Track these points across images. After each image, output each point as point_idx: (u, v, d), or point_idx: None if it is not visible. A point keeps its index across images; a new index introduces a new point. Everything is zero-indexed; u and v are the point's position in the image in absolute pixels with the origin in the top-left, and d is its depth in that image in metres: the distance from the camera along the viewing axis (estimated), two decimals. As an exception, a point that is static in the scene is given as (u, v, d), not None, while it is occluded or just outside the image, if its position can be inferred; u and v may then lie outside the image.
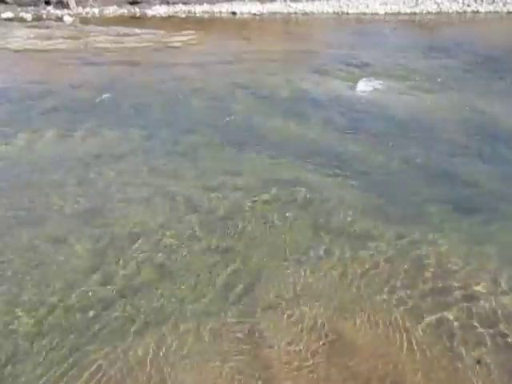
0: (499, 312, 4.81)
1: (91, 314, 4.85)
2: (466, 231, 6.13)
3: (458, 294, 5.07)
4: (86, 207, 6.75)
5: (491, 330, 4.60)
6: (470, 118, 10.17)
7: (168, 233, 6.14)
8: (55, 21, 22.81)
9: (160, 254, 5.74)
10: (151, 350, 4.43)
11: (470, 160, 8.18)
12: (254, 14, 25.37)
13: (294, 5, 26.30)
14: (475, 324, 4.68)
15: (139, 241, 5.98)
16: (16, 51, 16.65)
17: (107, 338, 4.57)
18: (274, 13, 25.58)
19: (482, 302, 4.95)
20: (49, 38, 18.48)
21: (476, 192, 7.12)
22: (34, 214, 6.59)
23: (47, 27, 20.83)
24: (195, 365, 4.29)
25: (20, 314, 4.84)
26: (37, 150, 8.62)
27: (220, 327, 4.67)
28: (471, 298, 5.02)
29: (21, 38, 18.35)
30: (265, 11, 25.71)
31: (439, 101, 11.41)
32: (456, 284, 5.20)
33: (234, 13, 25.45)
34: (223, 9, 25.83)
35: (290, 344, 4.47)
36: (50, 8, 24.83)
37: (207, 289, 5.18)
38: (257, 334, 4.59)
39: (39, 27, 20.66)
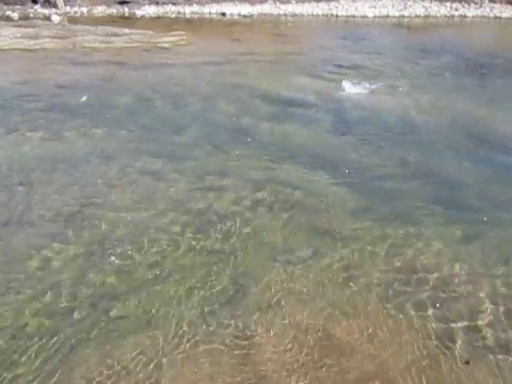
0: (492, 313, 4.85)
1: (78, 315, 4.77)
2: (454, 231, 6.19)
3: (448, 293, 5.10)
4: (72, 208, 6.65)
5: (483, 329, 4.64)
6: (456, 120, 10.30)
7: (157, 234, 6.09)
8: (42, 20, 22.53)
9: (149, 255, 5.68)
10: (140, 352, 4.38)
11: (457, 160, 8.27)
12: (244, 16, 25.37)
13: (283, 6, 26.37)
14: (467, 323, 4.71)
15: (128, 242, 5.92)
16: (2, 50, 16.40)
17: (96, 340, 4.50)
18: (264, 14, 25.61)
19: (472, 301, 4.99)
20: (36, 37, 18.22)
21: (462, 192, 7.21)
22: (18, 216, 6.48)
23: (34, 26, 20.53)
24: (185, 366, 4.25)
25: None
26: (23, 151, 8.48)
27: (210, 328, 4.63)
28: (461, 296, 5.06)
29: (7, 37, 18.06)
30: (254, 12, 25.72)
31: (426, 102, 11.53)
32: (447, 285, 5.23)
33: (223, 14, 25.42)
34: (213, 10, 25.79)
35: (281, 346, 4.45)
36: (37, 7, 24.55)
37: (197, 290, 5.14)
38: (248, 336, 4.56)
39: (26, 26, 20.37)
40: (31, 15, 23.66)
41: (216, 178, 7.56)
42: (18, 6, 24.43)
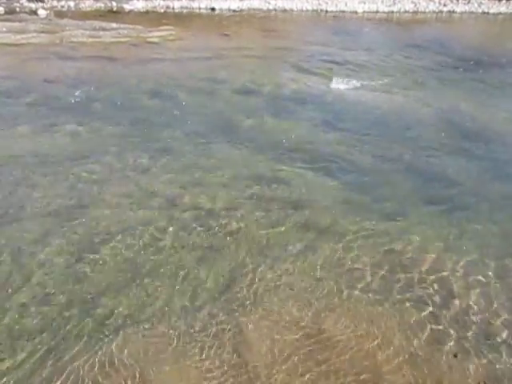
0: (475, 306, 4.92)
1: (67, 313, 4.74)
2: (443, 226, 6.25)
3: (437, 288, 5.15)
4: (61, 205, 6.58)
5: (468, 321, 4.70)
6: (445, 115, 10.38)
7: (148, 230, 6.05)
8: (29, 14, 22.19)
9: (139, 252, 5.65)
10: (130, 348, 4.36)
11: (446, 156, 8.34)
12: (234, 11, 25.26)
13: (273, 2, 26.29)
14: (455, 318, 4.76)
15: (118, 238, 5.88)
16: (-13, 45, 16.14)
17: (85, 336, 4.47)
18: (254, 9, 25.51)
19: (460, 295, 5.05)
20: (22, 31, 17.94)
21: (450, 188, 7.27)
22: (6, 213, 6.40)
23: (20, 21, 20.22)
24: (174, 362, 4.24)
25: None
26: (10, 147, 8.36)
27: (199, 324, 4.63)
28: (450, 291, 5.11)
29: (-8, 31, 17.79)
30: (244, 7, 25.62)
31: (415, 98, 11.60)
32: (435, 279, 5.28)
33: (213, 9, 25.29)
34: (202, 4, 25.63)
35: (269, 340, 4.46)
36: (23, 1, 24.18)
37: (187, 286, 5.13)
38: (236, 331, 4.57)
39: (12, 20, 20.05)
40: (17, 9, 23.28)
41: (204, 173, 7.53)
42: (4, 0, 24.03)
